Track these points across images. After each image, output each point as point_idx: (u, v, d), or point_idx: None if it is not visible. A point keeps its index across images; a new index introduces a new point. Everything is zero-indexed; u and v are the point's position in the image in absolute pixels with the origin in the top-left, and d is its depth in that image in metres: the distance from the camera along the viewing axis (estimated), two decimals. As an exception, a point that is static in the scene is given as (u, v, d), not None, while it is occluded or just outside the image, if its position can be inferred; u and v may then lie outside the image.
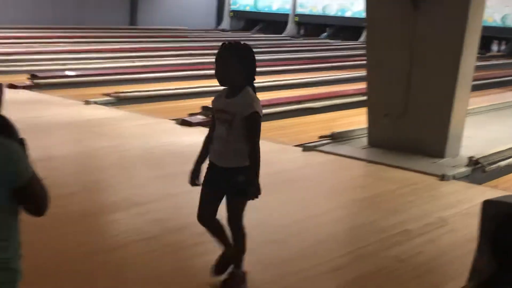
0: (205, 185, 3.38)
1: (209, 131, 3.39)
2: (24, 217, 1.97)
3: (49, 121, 7.49)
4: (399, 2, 6.50)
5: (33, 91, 9.40)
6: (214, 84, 11.50)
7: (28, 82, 9.76)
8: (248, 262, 3.79)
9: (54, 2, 21.04)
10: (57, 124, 7.38)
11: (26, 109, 7.68)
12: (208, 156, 3.35)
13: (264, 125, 7.86)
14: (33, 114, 7.57)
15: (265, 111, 8.30)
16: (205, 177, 3.38)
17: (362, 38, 21.33)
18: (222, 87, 3.31)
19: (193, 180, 3.40)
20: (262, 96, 11.71)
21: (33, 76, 10.05)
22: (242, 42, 3.30)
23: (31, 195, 1.90)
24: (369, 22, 6.97)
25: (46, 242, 3.82)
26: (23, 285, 1.99)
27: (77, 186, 5.18)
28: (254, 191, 3.20)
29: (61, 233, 3.99)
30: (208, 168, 3.37)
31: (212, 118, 3.38)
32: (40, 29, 18.34)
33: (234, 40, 3.33)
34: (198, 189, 5.21)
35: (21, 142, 1.94)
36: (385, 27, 6.72)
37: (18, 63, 11.49)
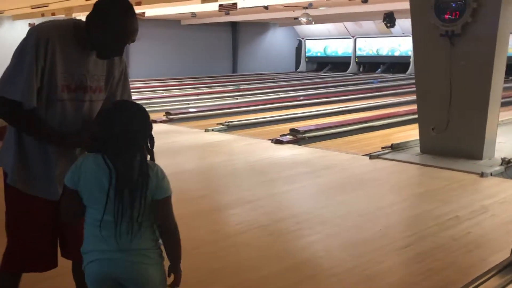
0: None
1: None
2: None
3: (180, 144, 7.71)
4: (439, 42, 6.34)
5: (168, 124, 9.69)
6: (297, 112, 11.46)
7: (164, 118, 10.08)
8: (334, 243, 3.79)
9: (178, 59, 21.76)
10: (186, 146, 7.60)
11: (163, 137, 7.93)
12: None
13: (338, 140, 7.94)
14: (169, 140, 7.81)
15: (337, 130, 8.42)
16: None
17: (409, 71, 20.81)
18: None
19: None
20: (334, 119, 11.44)
21: (167, 113, 10.37)
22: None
23: (162, 208, 1.89)
24: (416, 58, 6.82)
25: (186, 231, 3.89)
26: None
27: (204, 190, 5.33)
28: None
29: (197, 224, 4.10)
30: None
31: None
32: (169, 79, 19.00)
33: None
34: (294, 188, 5.28)
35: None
36: (430, 61, 6.55)
37: (156, 104, 11.94)
